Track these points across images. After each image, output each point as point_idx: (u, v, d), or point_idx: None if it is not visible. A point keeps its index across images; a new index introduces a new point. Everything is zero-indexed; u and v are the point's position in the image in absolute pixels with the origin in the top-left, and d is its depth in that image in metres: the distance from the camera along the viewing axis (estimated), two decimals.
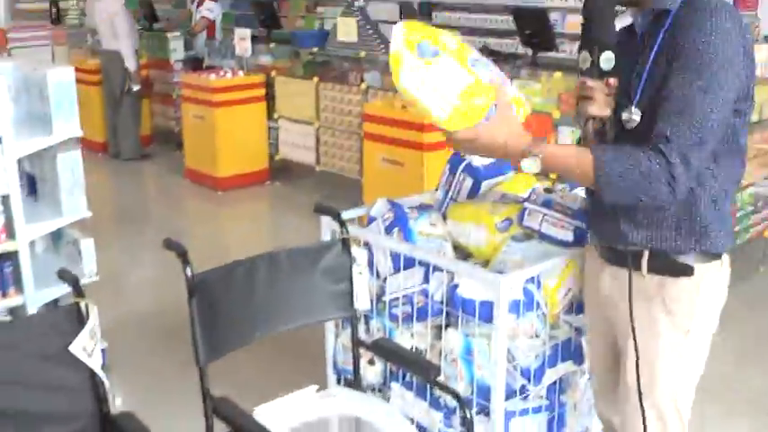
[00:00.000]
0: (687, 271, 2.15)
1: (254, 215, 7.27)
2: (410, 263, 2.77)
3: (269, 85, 7.73)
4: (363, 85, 6.79)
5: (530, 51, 6.46)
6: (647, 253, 2.17)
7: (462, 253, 2.99)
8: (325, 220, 3.00)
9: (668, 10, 2.05)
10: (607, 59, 1.97)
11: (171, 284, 2.82)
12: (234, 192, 7.55)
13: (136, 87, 8.54)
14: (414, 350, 2.78)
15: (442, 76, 1.97)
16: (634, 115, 2.05)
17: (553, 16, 7.76)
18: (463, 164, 3.18)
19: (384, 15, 10.02)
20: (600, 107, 2.00)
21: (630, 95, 2.09)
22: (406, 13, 9.90)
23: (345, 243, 2.56)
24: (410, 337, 2.81)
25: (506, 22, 8.27)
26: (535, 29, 6.33)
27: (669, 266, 2.16)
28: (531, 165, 1.99)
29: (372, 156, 5.87)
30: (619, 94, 2.04)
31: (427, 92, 1.99)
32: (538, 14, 6.66)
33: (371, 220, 3.05)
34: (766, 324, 4.77)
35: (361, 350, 2.64)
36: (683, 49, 1.98)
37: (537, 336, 2.64)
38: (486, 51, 7.14)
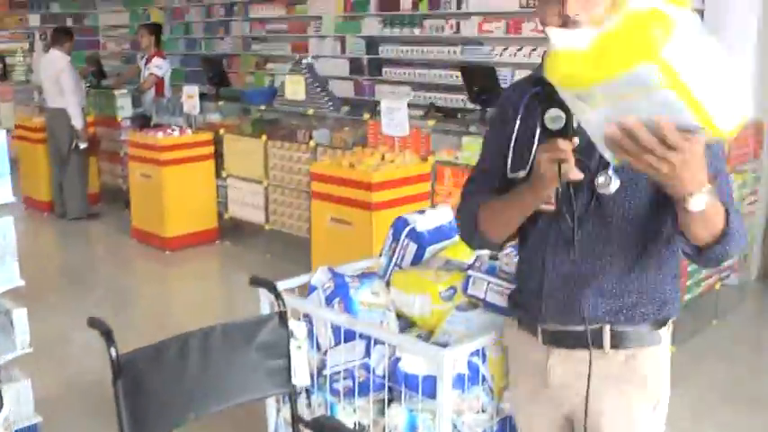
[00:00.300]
0: (656, 339, 2.09)
1: (203, 275, 7.13)
2: (351, 335, 2.67)
3: (217, 142, 7.63)
4: (312, 143, 6.73)
5: (478, 107, 6.47)
6: (608, 327, 2.06)
7: (406, 322, 2.90)
8: (264, 291, 2.89)
9: None
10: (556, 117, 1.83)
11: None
12: (182, 252, 7.41)
13: (83, 145, 8.40)
14: (356, 426, 2.67)
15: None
16: (613, 182, 1.89)
17: (502, 73, 7.79)
18: (407, 229, 3.11)
19: (333, 72, 10.05)
20: (575, 171, 1.79)
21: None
22: (354, 69, 9.94)
23: (282, 317, 2.46)
24: (353, 413, 2.70)
25: (455, 77, 8.30)
26: (483, 85, 6.33)
27: (637, 338, 2.07)
28: (700, 201, 1.65)
29: (320, 215, 5.78)
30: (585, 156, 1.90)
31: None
32: (486, 71, 6.68)
33: (312, 289, 2.95)
34: (721, 377, 4.74)
35: (302, 427, 2.53)
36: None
37: (483, 410, 2.55)
38: (433, 108, 7.15)
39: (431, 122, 6.32)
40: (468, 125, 6.26)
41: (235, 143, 7.51)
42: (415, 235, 3.10)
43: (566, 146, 1.76)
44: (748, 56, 6.18)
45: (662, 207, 1.94)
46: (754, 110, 5.54)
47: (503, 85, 6.90)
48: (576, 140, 1.77)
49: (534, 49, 8.07)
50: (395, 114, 5.66)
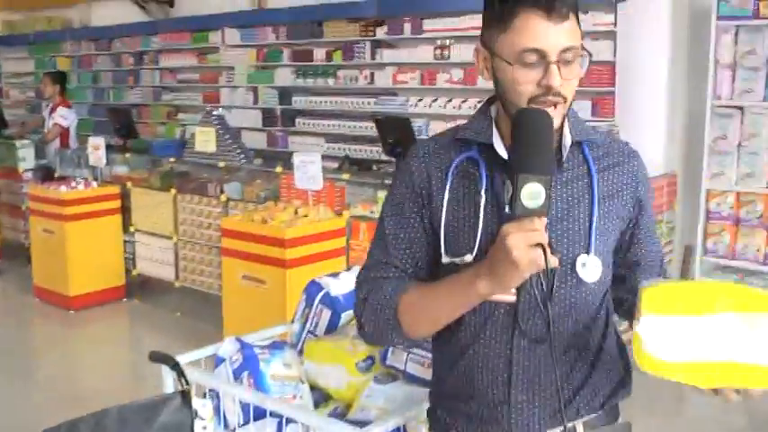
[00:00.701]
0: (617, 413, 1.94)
1: (110, 337, 6.79)
2: (262, 413, 2.48)
3: (125, 196, 7.37)
4: (223, 197, 6.53)
5: (393, 159, 6.38)
6: (580, 423, 1.85)
7: (322, 394, 2.72)
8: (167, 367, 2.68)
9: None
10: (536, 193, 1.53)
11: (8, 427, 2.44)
12: (88, 311, 7.07)
13: None
14: None
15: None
16: (594, 266, 1.75)
17: (417, 123, 7.74)
18: (320, 294, 2.95)
19: (246, 122, 9.88)
20: (554, 258, 1.56)
21: (582, 240, 1.77)
22: (267, 120, 9.78)
23: (186, 396, 2.26)
24: None
25: (369, 128, 8.22)
26: (398, 137, 6.25)
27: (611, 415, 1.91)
28: None
29: (232, 273, 5.56)
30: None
31: None
32: (400, 122, 6.59)
33: (219, 360, 2.75)
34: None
35: None
36: (646, 198, 1.88)
37: None
38: (348, 161, 7.04)
39: (345, 176, 6.20)
40: (384, 178, 6.17)
41: (143, 197, 7.27)
42: (329, 300, 2.93)
43: (542, 226, 1.53)
44: (660, 104, 6.27)
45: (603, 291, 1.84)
46: (667, 162, 5.51)
47: (418, 137, 6.85)
48: (545, 220, 1.55)
49: (450, 100, 8.05)
50: (308, 167, 5.51)
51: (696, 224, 6.09)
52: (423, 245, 1.82)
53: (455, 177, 1.78)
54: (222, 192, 6.61)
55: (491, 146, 1.76)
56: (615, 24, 6.59)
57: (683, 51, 6.39)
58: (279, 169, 6.36)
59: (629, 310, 1.83)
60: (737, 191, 5.88)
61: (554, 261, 1.54)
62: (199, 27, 10.65)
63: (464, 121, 1.88)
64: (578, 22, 1.68)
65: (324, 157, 5.73)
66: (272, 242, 5.31)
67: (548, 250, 1.52)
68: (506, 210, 1.54)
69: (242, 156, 6.84)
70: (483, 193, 1.74)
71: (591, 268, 1.75)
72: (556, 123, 1.66)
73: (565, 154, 1.77)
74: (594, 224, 1.76)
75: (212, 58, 10.60)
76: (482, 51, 1.75)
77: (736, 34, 5.81)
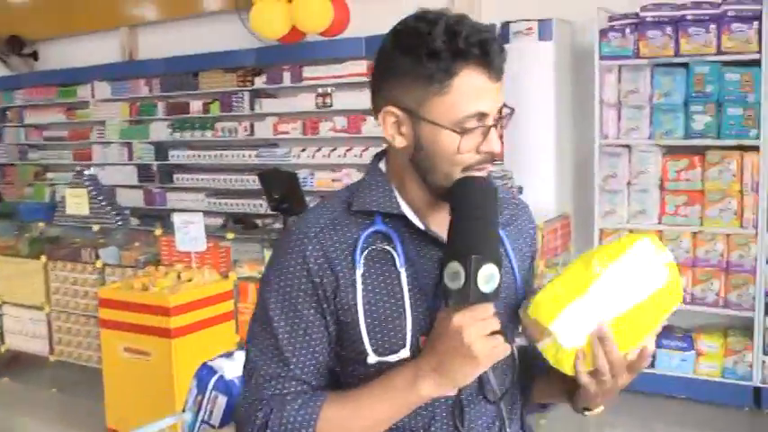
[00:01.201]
0: None
1: None
2: None
3: None
4: (99, 263, 6.11)
5: (280, 215, 6.10)
6: None
7: None
8: None
9: None
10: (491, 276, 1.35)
11: None
12: None
13: None
14: None
15: None
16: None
17: (301, 175, 7.49)
18: (213, 378, 2.65)
19: (120, 180, 9.42)
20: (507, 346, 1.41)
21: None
22: (143, 176, 9.34)
23: None
24: None
25: (252, 182, 7.93)
26: (284, 191, 5.97)
27: None
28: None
29: (112, 345, 5.15)
30: None
31: None
32: (286, 176, 6.31)
33: None
34: None
35: None
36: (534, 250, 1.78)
37: None
38: (231, 219, 6.73)
39: (230, 235, 5.87)
40: (270, 234, 5.90)
41: (10, 265, 6.79)
42: (223, 385, 2.63)
43: (492, 311, 1.38)
44: (549, 146, 6.22)
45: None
46: (559, 203, 5.31)
47: (304, 187, 6.60)
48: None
49: (334, 149, 7.82)
50: (190, 228, 5.19)
51: None
52: (326, 349, 1.53)
53: (364, 258, 1.50)
54: (98, 257, 6.19)
55: (397, 214, 1.53)
56: None
57: (568, 92, 6.39)
58: (158, 231, 5.99)
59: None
60: (629, 228, 5.87)
61: (506, 349, 1.39)
62: (66, 81, 10.11)
63: (349, 171, 1.64)
64: None
65: (205, 213, 5.43)
66: (155, 311, 4.95)
67: (500, 338, 1.38)
68: (446, 296, 1.36)
69: (118, 217, 6.44)
70: (403, 273, 1.49)
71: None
72: None
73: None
74: (519, 282, 1.64)
75: (82, 113, 10.07)
76: (394, 114, 1.49)
77: (619, 73, 5.83)
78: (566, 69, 6.34)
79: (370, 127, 7.41)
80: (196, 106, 8.88)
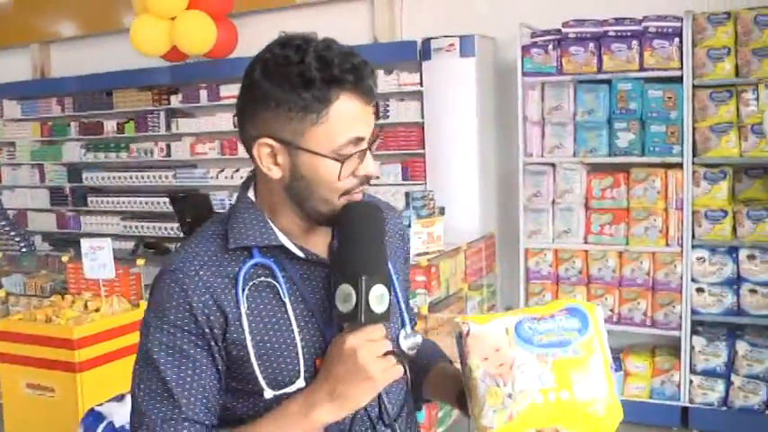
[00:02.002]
0: None
1: None
2: None
3: None
4: (2, 293, 5.78)
5: None
6: None
7: None
8: None
9: None
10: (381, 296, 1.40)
11: None
12: None
13: None
14: None
15: None
16: (418, 338, 1.60)
17: (218, 196, 7.24)
18: (102, 426, 2.42)
19: (31, 204, 9.04)
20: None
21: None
22: (56, 199, 8.96)
23: None
24: None
25: (167, 205, 7.64)
26: (196, 215, 5.73)
27: None
28: None
29: (13, 381, 4.83)
30: None
31: None
32: (198, 198, 6.06)
33: None
34: None
35: None
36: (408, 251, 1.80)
37: None
38: (143, 244, 6.44)
39: (140, 261, 5.59)
40: None
41: None
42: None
43: (384, 332, 1.42)
44: (472, 164, 6.10)
45: None
46: (484, 223, 5.12)
47: (220, 211, 6.35)
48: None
49: (253, 170, 7.58)
50: (98, 254, 4.91)
51: (517, 285, 5.94)
52: (215, 387, 1.48)
53: (247, 293, 1.47)
54: (1, 286, 5.85)
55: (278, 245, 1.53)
56: (421, 84, 6.39)
57: (491, 109, 6.29)
58: (65, 258, 5.68)
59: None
60: (555, 248, 5.78)
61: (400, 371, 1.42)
62: None
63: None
64: None
65: (121, 237, 5.15)
66: (59, 343, 4.65)
67: (394, 359, 1.40)
68: (339, 319, 1.41)
69: (22, 244, 6.12)
70: (288, 303, 1.48)
71: (410, 340, 1.60)
72: None
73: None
74: (399, 293, 1.65)
75: None
76: (269, 145, 1.47)
77: (543, 90, 5.75)
78: (488, 86, 6.24)
79: None
80: (110, 126, 8.56)
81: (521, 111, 5.76)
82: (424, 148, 6.46)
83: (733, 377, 5.28)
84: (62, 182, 9.00)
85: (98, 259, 4.92)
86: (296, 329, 1.47)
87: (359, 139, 1.45)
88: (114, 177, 8.53)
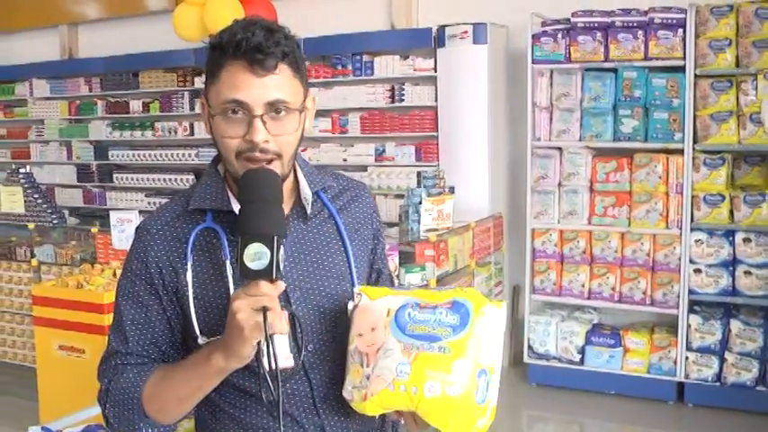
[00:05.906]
0: None
1: None
2: None
3: None
4: (34, 261, 6.08)
5: None
6: None
7: None
8: None
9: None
10: (256, 254, 1.49)
11: None
12: None
13: None
14: None
15: None
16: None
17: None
18: None
19: (60, 179, 9.35)
20: (282, 321, 1.50)
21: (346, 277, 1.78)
22: (82, 175, 9.26)
23: None
24: None
25: (193, 181, 7.91)
26: None
27: None
28: None
29: (46, 343, 5.13)
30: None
31: None
32: None
33: None
34: None
35: None
36: (379, 227, 1.94)
37: None
38: None
39: None
40: None
41: None
42: None
43: (270, 290, 1.47)
44: (482, 147, 6.34)
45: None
46: (493, 204, 5.43)
47: None
48: (283, 285, 1.51)
49: None
50: (126, 226, 5.20)
51: (524, 263, 6.18)
52: (165, 329, 1.72)
53: (195, 252, 1.69)
54: (33, 256, 6.16)
55: (230, 210, 1.70)
56: (435, 69, 6.64)
57: (501, 94, 6.52)
58: (94, 229, 5.98)
59: None
60: (560, 228, 6.01)
61: (281, 327, 1.49)
62: (4, 78, 9.97)
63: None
64: (297, 76, 1.65)
65: (144, 213, 5.43)
66: (89, 308, 4.94)
67: (273, 314, 1.46)
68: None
69: (54, 216, 6.41)
70: (228, 263, 1.66)
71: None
72: None
73: (309, 207, 1.77)
74: (351, 260, 1.78)
75: (20, 111, 9.95)
76: (202, 104, 1.71)
77: (551, 77, 5.98)
78: (499, 72, 6.48)
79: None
80: (136, 106, 8.85)
81: (530, 96, 6.00)
82: (437, 131, 6.72)
83: (727, 354, 5.53)
84: (89, 159, 9.31)
85: (126, 231, 5.21)
86: (231, 287, 1.63)
87: (242, 104, 1.58)
88: (139, 155, 8.84)
